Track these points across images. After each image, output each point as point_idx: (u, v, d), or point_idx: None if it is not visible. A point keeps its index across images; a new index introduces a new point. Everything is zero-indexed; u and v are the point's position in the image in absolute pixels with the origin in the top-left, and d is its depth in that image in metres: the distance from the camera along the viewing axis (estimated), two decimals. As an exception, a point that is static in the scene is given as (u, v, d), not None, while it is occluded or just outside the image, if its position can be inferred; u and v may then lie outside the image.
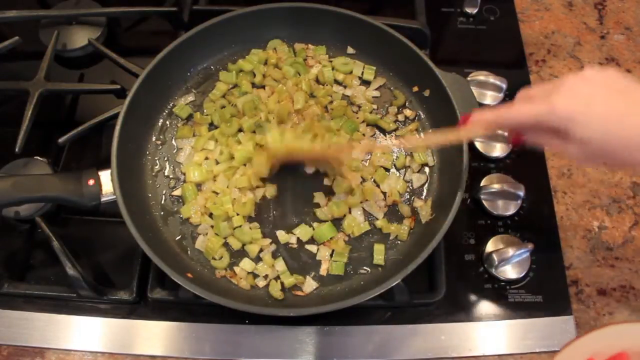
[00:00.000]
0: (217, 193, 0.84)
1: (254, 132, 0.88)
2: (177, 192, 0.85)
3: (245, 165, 0.85)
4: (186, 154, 0.88)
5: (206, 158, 0.87)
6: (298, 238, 0.82)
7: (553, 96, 0.58)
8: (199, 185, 0.85)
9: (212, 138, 0.88)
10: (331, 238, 0.81)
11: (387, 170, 0.87)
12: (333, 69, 0.95)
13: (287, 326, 0.79)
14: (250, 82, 0.94)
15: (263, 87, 0.94)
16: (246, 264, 0.79)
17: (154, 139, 0.89)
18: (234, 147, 0.86)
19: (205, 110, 0.91)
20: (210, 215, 0.83)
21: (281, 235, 0.82)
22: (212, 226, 0.82)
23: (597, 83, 0.58)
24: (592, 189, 0.92)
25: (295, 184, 0.86)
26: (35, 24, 1.04)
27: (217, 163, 0.86)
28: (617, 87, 0.58)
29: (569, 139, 0.59)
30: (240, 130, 0.89)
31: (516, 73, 1.02)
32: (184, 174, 0.86)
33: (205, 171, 0.85)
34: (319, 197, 0.84)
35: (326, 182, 0.84)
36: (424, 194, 0.86)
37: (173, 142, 0.90)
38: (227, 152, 0.86)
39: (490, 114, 0.65)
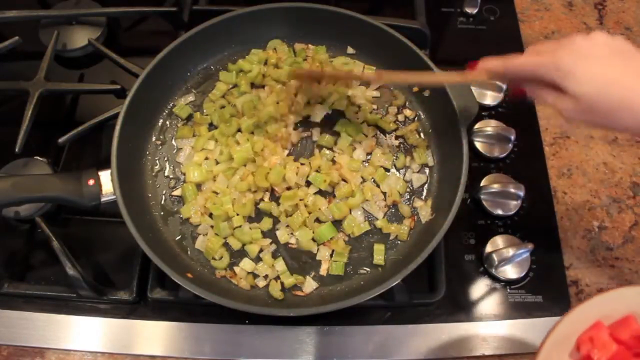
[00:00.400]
0: (217, 193, 0.84)
1: (252, 132, 0.88)
2: (177, 192, 0.85)
3: (245, 165, 0.85)
4: (186, 154, 0.88)
5: (206, 158, 0.87)
6: (298, 238, 0.82)
7: (558, 51, 0.61)
8: (199, 186, 0.85)
9: (212, 138, 0.88)
10: (331, 238, 0.81)
11: (387, 170, 0.87)
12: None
13: (287, 326, 0.79)
14: (250, 83, 0.93)
15: (263, 86, 0.94)
16: (246, 264, 0.79)
17: (154, 139, 0.89)
18: (234, 147, 0.86)
19: (205, 111, 0.91)
20: (210, 215, 0.83)
21: (281, 235, 0.82)
22: (212, 226, 0.82)
23: (602, 45, 0.60)
24: (592, 189, 0.92)
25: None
26: (35, 24, 1.04)
27: (217, 163, 0.86)
28: (620, 51, 0.60)
29: (565, 93, 0.61)
30: (239, 130, 0.89)
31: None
32: (184, 174, 0.86)
33: (205, 171, 0.85)
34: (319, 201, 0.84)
35: (326, 186, 0.84)
36: (424, 194, 0.86)
37: (173, 142, 0.90)
38: (227, 152, 0.86)
39: (497, 61, 0.67)
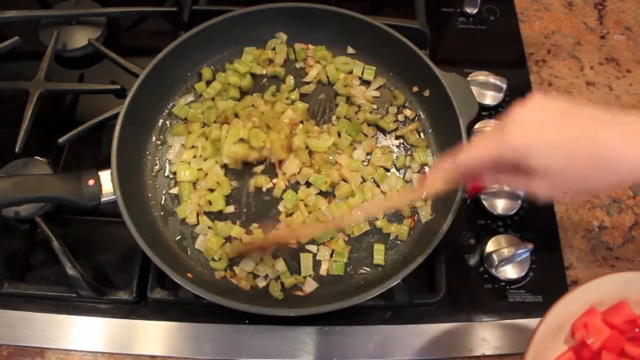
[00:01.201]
0: (212, 190, 0.84)
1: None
2: (174, 191, 0.85)
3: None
4: (175, 151, 0.88)
5: (194, 156, 0.87)
6: (298, 238, 0.82)
7: (505, 129, 0.56)
8: (195, 184, 0.85)
9: (203, 135, 0.88)
10: (331, 238, 0.81)
11: (387, 170, 0.87)
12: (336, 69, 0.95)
13: (287, 326, 0.79)
14: (238, 87, 0.93)
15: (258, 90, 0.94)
16: (247, 264, 0.79)
17: (154, 139, 0.89)
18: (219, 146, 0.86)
19: (191, 110, 0.91)
20: (206, 214, 0.83)
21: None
22: (210, 227, 0.82)
23: (543, 110, 0.55)
24: (592, 189, 0.92)
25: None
26: (35, 24, 1.04)
27: (205, 160, 0.86)
28: (562, 111, 0.55)
29: (531, 171, 0.56)
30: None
31: (516, 73, 1.02)
32: (174, 173, 0.86)
33: (196, 170, 0.85)
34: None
35: (327, 187, 0.84)
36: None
37: (173, 141, 0.90)
38: (210, 148, 0.86)
39: (445, 164, 0.62)
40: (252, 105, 0.91)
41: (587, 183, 0.55)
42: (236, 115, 0.89)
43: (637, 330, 0.68)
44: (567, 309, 0.67)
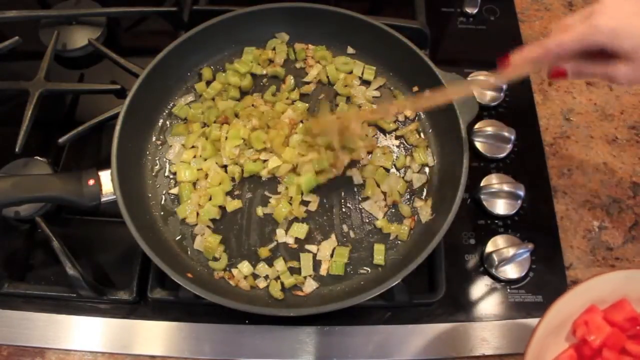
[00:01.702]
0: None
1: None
2: (173, 191, 0.85)
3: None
4: (175, 151, 0.88)
5: (194, 156, 0.87)
6: (297, 238, 0.82)
7: (593, 17, 0.59)
8: (194, 184, 0.85)
9: (203, 135, 0.88)
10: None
11: (387, 170, 0.87)
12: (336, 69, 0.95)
13: (287, 326, 0.79)
14: (238, 87, 0.93)
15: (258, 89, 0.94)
16: (244, 267, 0.79)
17: (154, 139, 0.89)
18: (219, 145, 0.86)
19: (192, 110, 0.91)
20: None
21: (280, 233, 0.82)
22: (208, 226, 0.82)
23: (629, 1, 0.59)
24: (592, 189, 0.92)
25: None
26: (35, 24, 1.04)
27: (205, 160, 0.86)
28: None
29: (617, 56, 0.59)
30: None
31: None
32: (174, 173, 0.86)
33: (195, 170, 0.85)
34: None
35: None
36: (424, 194, 0.86)
37: (173, 141, 0.90)
38: (210, 148, 0.86)
39: (533, 50, 0.63)
40: (253, 105, 0.91)
41: None
42: (236, 115, 0.89)
43: (638, 327, 0.69)
44: (568, 306, 0.67)
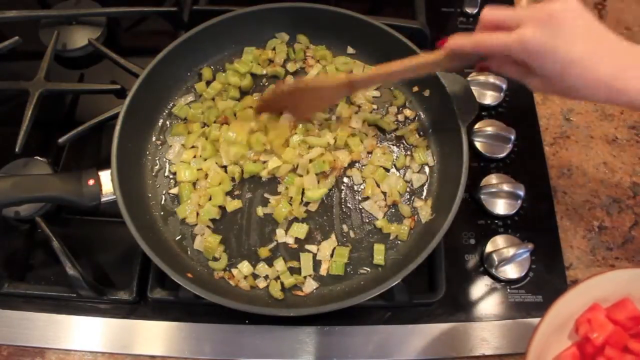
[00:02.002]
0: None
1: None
2: (173, 191, 0.85)
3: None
4: (175, 151, 0.88)
5: (194, 156, 0.87)
6: (297, 238, 0.82)
7: (523, 29, 0.60)
8: (194, 184, 0.85)
9: (203, 135, 0.88)
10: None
11: (387, 170, 0.87)
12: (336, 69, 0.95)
13: (287, 326, 0.79)
14: (238, 87, 0.93)
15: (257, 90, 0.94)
16: (244, 267, 0.79)
17: (154, 139, 0.89)
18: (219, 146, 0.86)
19: (191, 110, 0.91)
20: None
21: (280, 233, 0.82)
22: (208, 226, 0.82)
23: (570, 18, 0.59)
24: (592, 189, 0.92)
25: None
26: (35, 24, 1.04)
27: (205, 160, 0.86)
28: (585, 25, 0.60)
29: (533, 72, 0.62)
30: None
31: None
32: (174, 173, 0.86)
33: (195, 170, 0.85)
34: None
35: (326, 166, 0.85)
36: (424, 194, 0.86)
37: (173, 141, 0.90)
38: (210, 148, 0.86)
39: (464, 40, 0.66)
40: (251, 107, 0.91)
41: (580, 95, 0.62)
42: (235, 115, 0.89)
43: None
44: (570, 304, 0.67)
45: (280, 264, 0.79)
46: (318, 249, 0.81)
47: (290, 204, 0.83)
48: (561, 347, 0.69)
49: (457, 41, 0.67)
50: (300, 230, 0.81)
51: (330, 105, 0.90)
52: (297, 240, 0.82)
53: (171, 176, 0.87)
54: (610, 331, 0.66)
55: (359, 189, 0.86)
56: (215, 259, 0.80)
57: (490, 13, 0.64)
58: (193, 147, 0.88)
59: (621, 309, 0.69)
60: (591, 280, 0.67)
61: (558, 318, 0.66)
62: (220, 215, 0.83)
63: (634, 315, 0.68)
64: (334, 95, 0.84)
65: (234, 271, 0.79)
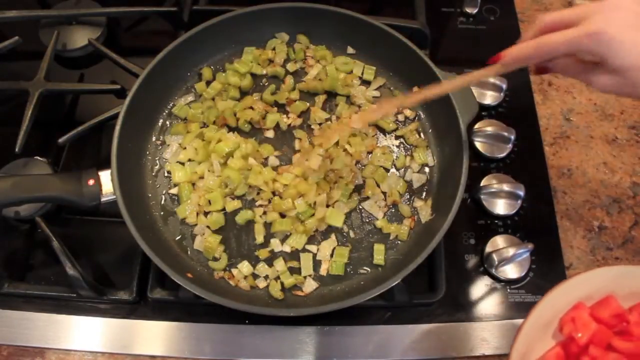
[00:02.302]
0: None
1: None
2: (173, 191, 0.85)
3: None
4: (172, 150, 0.88)
5: (190, 160, 0.87)
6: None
7: (592, 20, 0.56)
8: (194, 184, 0.85)
9: (200, 136, 0.88)
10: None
11: (387, 170, 0.87)
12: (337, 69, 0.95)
13: (287, 326, 0.79)
14: (238, 87, 0.93)
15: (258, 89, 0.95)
16: (244, 267, 0.79)
17: (154, 139, 0.89)
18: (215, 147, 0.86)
19: (191, 110, 0.91)
20: (206, 214, 0.83)
21: (274, 243, 0.82)
22: (208, 226, 0.82)
23: (633, 12, 0.56)
24: (592, 189, 0.92)
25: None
26: (35, 24, 1.04)
27: (200, 163, 0.86)
28: None
29: (603, 67, 0.57)
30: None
31: (516, 73, 0.98)
32: (169, 172, 0.86)
33: (189, 172, 0.85)
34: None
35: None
36: (424, 194, 0.86)
37: (172, 141, 0.90)
38: (202, 153, 0.85)
39: (525, 50, 0.62)
40: (252, 108, 0.91)
41: None
42: (235, 115, 0.89)
43: (624, 324, 0.69)
44: (554, 303, 0.67)
45: (280, 264, 0.79)
46: (318, 249, 0.81)
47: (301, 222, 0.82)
48: (545, 347, 0.68)
49: (515, 52, 0.63)
50: (298, 240, 0.81)
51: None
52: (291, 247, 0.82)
53: (170, 176, 0.87)
54: (594, 330, 0.66)
55: (359, 189, 0.86)
56: (215, 259, 0.80)
57: (549, 15, 0.60)
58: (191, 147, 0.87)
59: (605, 306, 0.68)
60: (575, 278, 0.67)
61: (542, 318, 0.66)
62: (225, 221, 0.83)
63: (617, 312, 0.68)
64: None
65: (234, 271, 0.79)
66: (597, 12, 0.57)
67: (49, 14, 1.04)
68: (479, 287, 0.83)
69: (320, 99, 0.92)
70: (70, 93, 1.00)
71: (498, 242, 0.84)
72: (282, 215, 0.82)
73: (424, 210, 0.84)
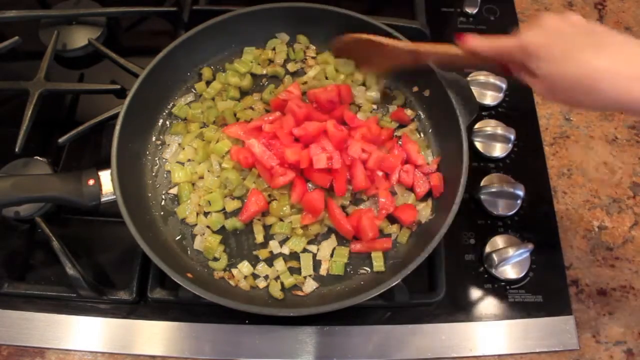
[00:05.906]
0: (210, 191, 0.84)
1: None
2: (173, 191, 0.85)
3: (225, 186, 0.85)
4: (172, 150, 0.88)
5: (189, 160, 0.87)
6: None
7: (527, 32, 0.63)
8: (194, 184, 0.85)
9: (200, 136, 0.88)
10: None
11: (387, 170, 0.87)
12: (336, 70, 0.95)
13: (287, 326, 0.79)
14: (238, 87, 0.93)
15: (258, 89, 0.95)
16: (244, 267, 0.79)
17: (154, 139, 0.89)
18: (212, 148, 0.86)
19: (191, 110, 0.91)
20: (206, 214, 0.83)
21: (273, 245, 0.81)
22: (208, 226, 0.82)
23: (572, 24, 0.61)
24: (592, 189, 0.92)
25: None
26: (35, 24, 1.04)
27: (199, 164, 0.86)
28: (590, 31, 0.61)
29: (535, 74, 0.63)
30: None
31: None
32: (169, 172, 0.86)
33: (189, 172, 0.85)
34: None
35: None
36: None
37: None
38: (202, 154, 0.85)
39: (478, 42, 0.69)
40: (252, 108, 0.91)
41: (569, 98, 0.62)
42: (235, 115, 0.89)
43: None
44: None
45: (280, 264, 0.79)
46: (318, 249, 0.81)
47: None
48: None
49: (471, 42, 0.70)
50: (298, 244, 0.81)
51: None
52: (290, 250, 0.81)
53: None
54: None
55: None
56: (215, 259, 0.80)
57: (535, 18, 0.67)
58: (190, 147, 0.87)
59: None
60: None
61: None
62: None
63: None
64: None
65: (234, 271, 0.79)
66: (532, 24, 0.64)
67: (49, 14, 1.04)
68: (479, 287, 0.83)
69: None
70: (70, 93, 1.00)
71: (498, 242, 0.84)
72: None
73: (424, 210, 0.84)
